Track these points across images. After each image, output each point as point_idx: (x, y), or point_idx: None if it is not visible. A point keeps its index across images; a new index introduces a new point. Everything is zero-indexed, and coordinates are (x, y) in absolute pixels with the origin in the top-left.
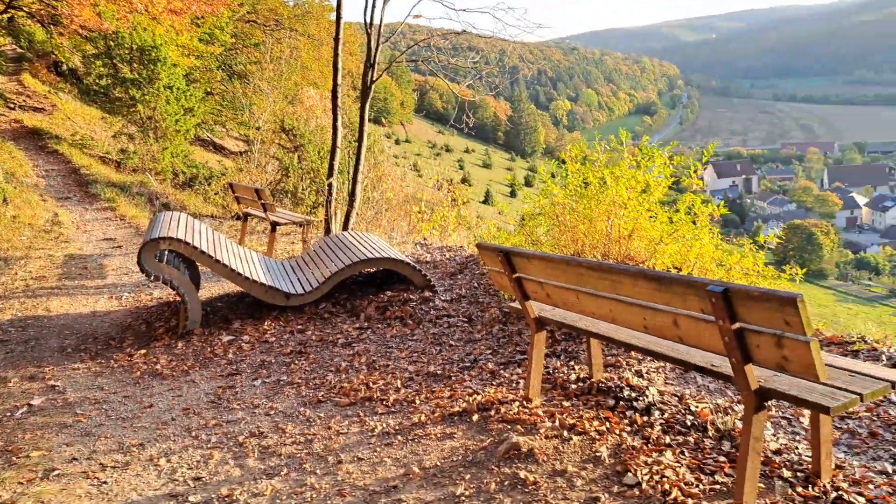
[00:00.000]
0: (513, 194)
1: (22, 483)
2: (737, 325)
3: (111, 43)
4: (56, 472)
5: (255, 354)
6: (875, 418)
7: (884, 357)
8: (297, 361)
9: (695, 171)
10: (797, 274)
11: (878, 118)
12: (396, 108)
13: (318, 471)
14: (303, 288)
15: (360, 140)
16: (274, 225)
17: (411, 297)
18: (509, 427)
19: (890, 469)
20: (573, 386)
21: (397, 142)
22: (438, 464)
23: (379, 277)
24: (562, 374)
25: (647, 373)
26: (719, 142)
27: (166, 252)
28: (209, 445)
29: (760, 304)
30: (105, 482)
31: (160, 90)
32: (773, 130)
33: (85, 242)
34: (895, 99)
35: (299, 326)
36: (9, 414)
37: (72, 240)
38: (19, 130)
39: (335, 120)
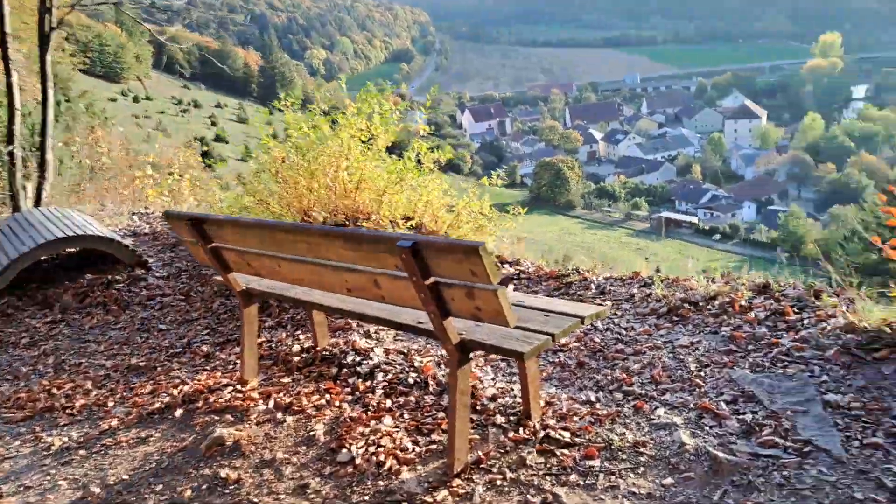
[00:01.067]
0: None
1: None
2: (431, 279)
3: None
4: None
5: None
6: (583, 347)
7: (593, 286)
8: None
9: (420, 118)
10: (520, 213)
11: (607, 59)
12: (131, 62)
13: None
14: None
15: (44, 99)
16: None
17: (118, 277)
18: (217, 418)
19: (593, 398)
20: (296, 359)
21: (136, 99)
22: (126, 477)
23: (81, 259)
24: (285, 347)
25: (375, 332)
26: (474, 86)
27: None
28: None
29: (447, 256)
30: None
31: None
32: (519, 74)
33: None
34: (619, 41)
35: None
36: None
37: None
38: None
39: (8, 76)
